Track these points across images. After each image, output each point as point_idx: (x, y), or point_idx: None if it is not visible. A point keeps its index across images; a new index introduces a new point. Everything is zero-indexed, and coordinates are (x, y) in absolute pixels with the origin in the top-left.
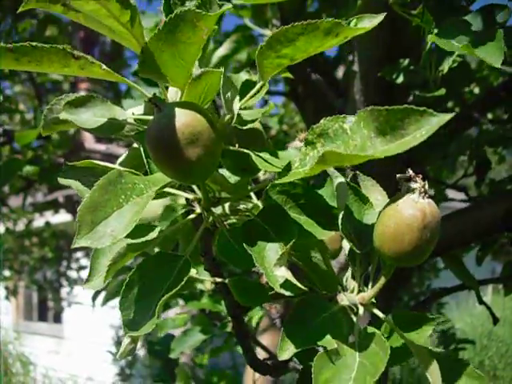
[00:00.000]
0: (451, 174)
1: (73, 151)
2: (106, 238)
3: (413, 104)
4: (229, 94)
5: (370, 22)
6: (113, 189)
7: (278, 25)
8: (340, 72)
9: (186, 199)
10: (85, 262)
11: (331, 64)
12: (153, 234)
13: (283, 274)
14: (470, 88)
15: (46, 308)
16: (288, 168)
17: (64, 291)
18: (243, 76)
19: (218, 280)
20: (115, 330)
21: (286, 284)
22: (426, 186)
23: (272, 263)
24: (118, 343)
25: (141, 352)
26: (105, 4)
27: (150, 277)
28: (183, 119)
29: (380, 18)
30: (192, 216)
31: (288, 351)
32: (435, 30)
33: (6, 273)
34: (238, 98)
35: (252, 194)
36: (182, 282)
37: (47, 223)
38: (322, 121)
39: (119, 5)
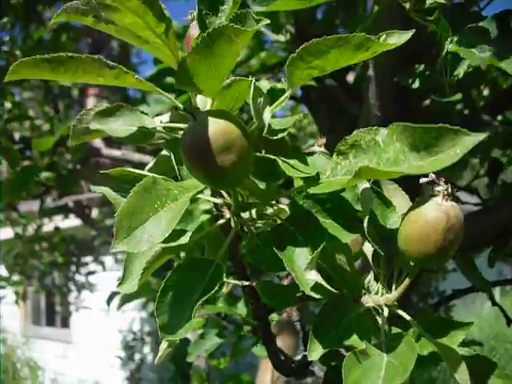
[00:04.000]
0: (460, 176)
1: (88, 157)
2: (143, 242)
3: (430, 108)
4: (260, 103)
5: (398, 38)
6: (148, 195)
7: (292, 31)
8: (351, 76)
9: (215, 204)
10: (93, 266)
11: (344, 68)
12: (184, 239)
13: (314, 277)
14: (479, 89)
15: (54, 313)
16: (318, 176)
17: (72, 296)
18: (265, 84)
19: (246, 283)
20: (123, 334)
21: (317, 287)
22: (450, 189)
23: (302, 267)
24: (127, 348)
25: (149, 356)
26: (143, 16)
27: (184, 282)
28: (218, 127)
29: (409, 34)
30: (222, 221)
31: (317, 352)
32: (455, 38)
33: (15, 278)
34: (268, 108)
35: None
36: (216, 287)
37: (57, 228)
38: (354, 132)
39: (156, 17)
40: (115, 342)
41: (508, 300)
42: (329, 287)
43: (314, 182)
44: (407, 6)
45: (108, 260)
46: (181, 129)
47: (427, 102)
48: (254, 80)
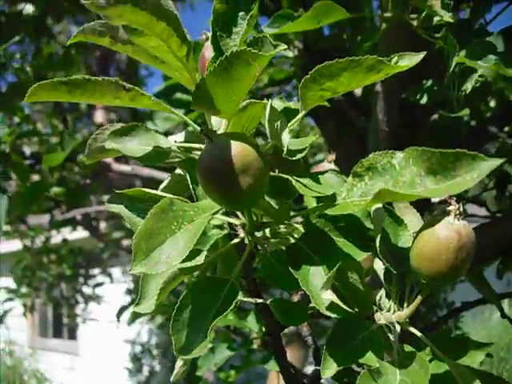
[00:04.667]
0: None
1: (99, 172)
2: (161, 264)
3: (436, 123)
4: (277, 124)
5: (410, 60)
6: (165, 216)
7: (300, 47)
8: (358, 90)
9: (229, 224)
10: (101, 278)
11: None
12: (200, 259)
13: (329, 297)
14: (486, 101)
15: (61, 324)
16: (333, 197)
17: (79, 308)
18: (278, 103)
19: (259, 301)
20: (131, 346)
21: (332, 306)
22: (461, 208)
23: (317, 286)
24: (135, 359)
25: (157, 368)
26: (166, 40)
27: (200, 300)
28: (235, 150)
29: (420, 56)
30: (236, 240)
31: (331, 369)
32: (463, 52)
33: (24, 290)
34: (287, 130)
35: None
36: (232, 306)
37: (64, 240)
38: (371, 155)
39: (180, 41)
40: (123, 354)
41: None
42: (344, 306)
43: (330, 202)
44: (415, 23)
45: (115, 272)
46: (195, 149)
47: (435, 116)
48: (270, 102)
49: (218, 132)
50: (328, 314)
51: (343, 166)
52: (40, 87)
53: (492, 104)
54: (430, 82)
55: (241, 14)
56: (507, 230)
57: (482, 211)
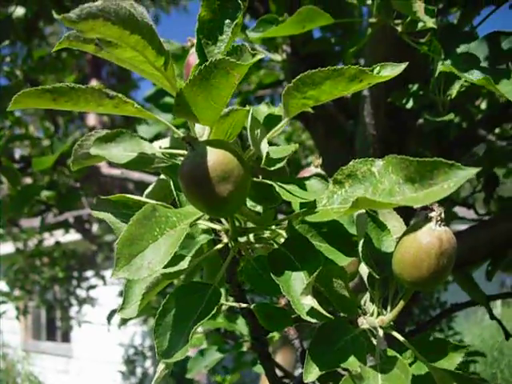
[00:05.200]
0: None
1: (88, 176)
2: (143, 270)
3: (423, 127)
4: (257, 132)
5: (392, 70)
6: (147, 222)
7: (288, 50)
8: (347, 94)
9: (213, 230)
10: (94, 281)
11: None
12: (184, 264)
13: (309, 302)
14: (476, 103)
15: (54, 327)
16: (314, 204)
17: (73, 310)
18: (264, 109)
19: (243, 305)
20: (124, 348)
21: (312, 312)
22: (443, 215)
23: (298, 292)
24: (128, 362)
25: (151, 370)
26: (142, 51)
27: (182, 305)
28: (215, 158)
29: (402, 66)
30: (219, 246)
31: (313, 374)
32: (448, 61)
33: (16, 293)
34: (266, 139)
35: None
36: (213, 311)
37: (57, 243)
38: (351, 162)
39: (155, 51)
40: (116, 357)
41: (510, 311)
42: (324, 312)
43: (311, 209)
44: (399, 28)
45: (109, 274)
46: (180, 155)
47: (422, 120)
48: (252, 110)
49: (201, 139)
50: (308, 319)
51: (332, 170)
52: (24, 95)
53: (483, 106)
54: (415, 87)
55: (226, 21)
56: (497, 232)
57: (471, 214)
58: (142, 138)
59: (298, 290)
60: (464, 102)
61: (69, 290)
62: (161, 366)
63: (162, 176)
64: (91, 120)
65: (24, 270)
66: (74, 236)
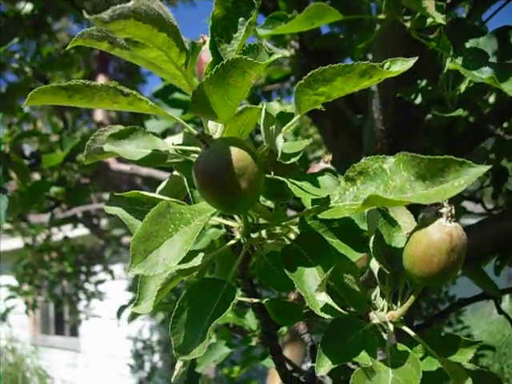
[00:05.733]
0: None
1: (98, 171)
2: (158, 266)
3: (431, 122)
4: (272, 128)
5: (402, 65)
6: (162, 219)
7: (296, 46)
8: None
9: (226, 226)
10: (102, 275)
11: None
12: (197, 260)
13: (324, 298)
14: (485, 97)
15: (62, 321)
16: (327, 201)
17: (81, 304)
18: (275, 105)
19: (255, 301)
20: (133, 342)
21: (326, 307)
22: (453, 211)
23: (311, 287)
24: (137, 356)
25: (159, 364)
26: (167, 51)
27: (197, 302)
28: (230, 155)
29: (412, 62)
30: (232, 242)
31: (325, 367)
32: (458, 60)
33: (25, 287)
34: (281, 134)
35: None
36: (230, 307)
37: (65, 238)
38: (362, 159)
39: (178, 51)
40: (124, 351)
41: None
42: (338, 308)
43: (324, 206)
44: (408, 25)
45: (117, 269)
46: (193, 151)
47: (430, 115)
48: (265, 107)
49: (214, 136)
50: (322, 315)
51: (339, 165)
52: (40, 92)
53: (491, 99)
54: (424, 82)
55: (240, 19)
56: (505, 227)
57: (479, 208)
58: (154, 134)
59: (311, 285)
60: (472, 96)
61: (77, 284)
62: (179, 363)
63: (175, 172)
64: (99, 115)
65: (33, 264)
66: (82, 231)
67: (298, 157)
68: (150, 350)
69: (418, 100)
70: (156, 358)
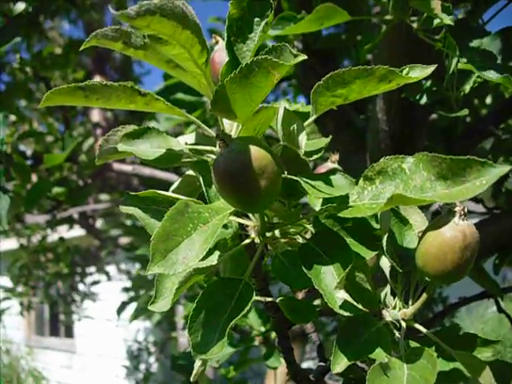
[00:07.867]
0: None
1: (100, 172)
2: (178, 264)
3: (435, 122)
4: (294, 127)
5: (421, 72)
6: (181, 218)
7: (299, 47)
8: None
9: (241, 225)
10: (97, 276)
11: None
12: (213, 258)
13: (343, 296)
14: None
15: (57, 323)
16: (345, 200)
17: (76, 305)
18: (286, 106)
19: (269, 299)
20: (128, 344)
21: (345, 305)
22: (466, 209)
23: (330, 285)
24: (132, 357)
25: (154, 366)
26: (189, 49)
27: (214, 301)
28: (250, 154)
29: (431, 69)
30: (247, 241)
31: (341, 364)
32: (465, 60)
33: (20, 288)
34: (304, 132)
35: None
36: (248, 306)
37: (61, 238)
38: (381, 159)
39: (200, 49)
40: (120, 352)
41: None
42: (358, 305)
43: (342, 204)
44: (415, 25)
45: (112, 270)
46: (207, 151)
47: (434, 115)
48: (284, 106)
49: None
50: (342, 312)
51: (342, 165)
52: (56, 92)
53: (488, 101)
54: (429, 82)
55: (256, 19)
56: (505, 226)
57: (479, 208)
58: (167, 134)
59: (328, 283)
60: (471, 97)
61: (72, 285)
62: (197, 363)
63: (188, 172)
64: (95, 116)
65: (28, 265)
66: (77, 231)
67: (320, 154)
68: (145, 351)
69: (423, 100)
70: (152, 359)
